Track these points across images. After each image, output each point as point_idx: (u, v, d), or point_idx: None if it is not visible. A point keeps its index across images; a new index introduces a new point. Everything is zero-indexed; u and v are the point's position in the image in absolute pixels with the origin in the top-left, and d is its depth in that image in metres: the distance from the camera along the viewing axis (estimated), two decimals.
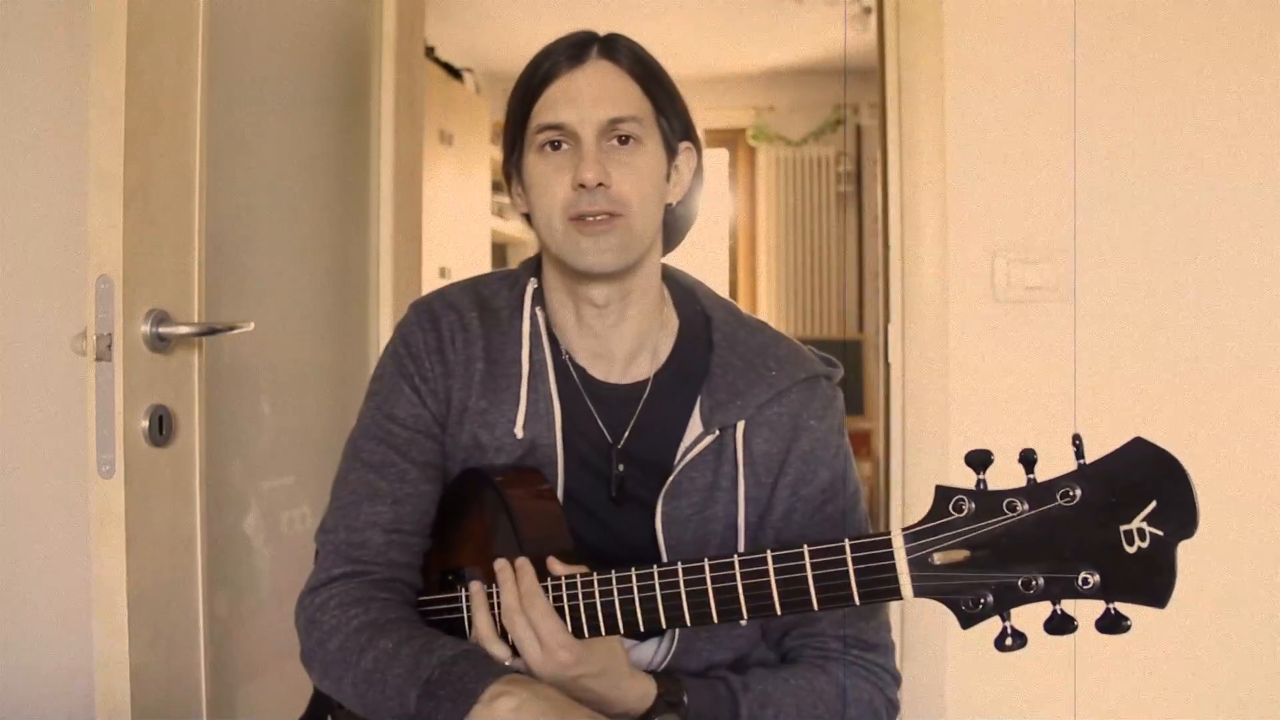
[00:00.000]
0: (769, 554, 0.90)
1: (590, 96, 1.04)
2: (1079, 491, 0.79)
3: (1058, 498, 0.79)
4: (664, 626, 0.95)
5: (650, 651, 1.06)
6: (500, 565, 1.00)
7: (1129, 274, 1.92)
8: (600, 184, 1.02)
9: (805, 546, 0.88)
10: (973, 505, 0.82)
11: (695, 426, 1.09)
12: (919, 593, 0.84)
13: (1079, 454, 0.80)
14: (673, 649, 1.06)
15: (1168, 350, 1.92)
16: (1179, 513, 0.77)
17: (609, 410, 1.10)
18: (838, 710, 1.06)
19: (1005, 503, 0.81)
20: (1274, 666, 1.90)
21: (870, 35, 3.65)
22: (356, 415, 1.15)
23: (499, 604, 0.99)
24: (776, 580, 0.89)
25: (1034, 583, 0.80)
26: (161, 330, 1.22)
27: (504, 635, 1.00)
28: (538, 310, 1.12)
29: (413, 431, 1.10)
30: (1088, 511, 0.79)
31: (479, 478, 1.08)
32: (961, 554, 0.82)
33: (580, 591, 0.97)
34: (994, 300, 1.95)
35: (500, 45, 4.16)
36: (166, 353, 1.24)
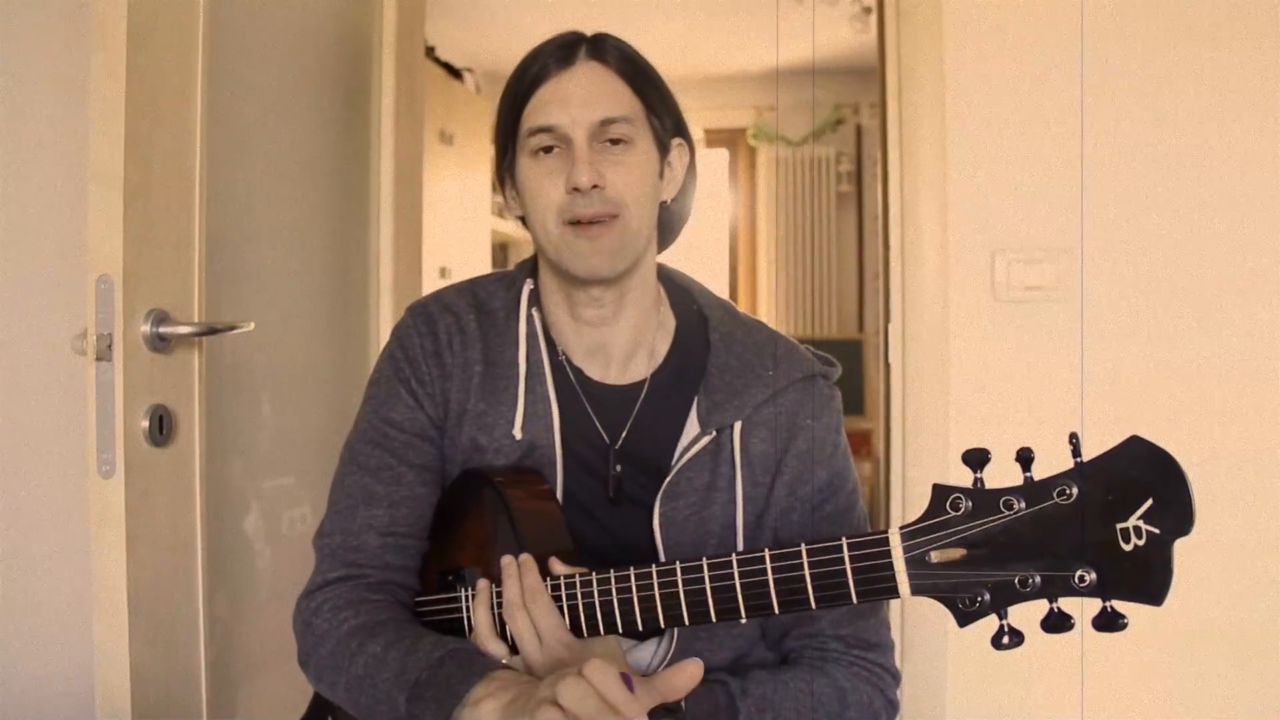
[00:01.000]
0: (767, 553, 0.90)
1: (580, 98, 1.04)
2: (1075, 490, 0.79)
3: (1054, 496, 0.80)
4: (663, 626, 0.95)
5: (649, 653, 1.06)
6: (506, 561, 1.00)
7: (1129, 274, 1.92)
8: (595, 186, 1.02)
9: (803, 545, 0.88)
10: (970, 504, 0.82)
11: (692, 427, 1.09)
12: (916, 591, 0.84)
13: (1076, 452, 0.80)
14: (671, 650, 1.05)
15: (1168, 350, 1.92)
16: (1175, 510, 0.77)
17: (606, 411, 1.10)
18: (837, 713, 1.06)
19: (1002, 501, 0.81)
20: (1275, 669, 1.90)
21: (870, 35, 3.65)
22: (355, 415, 1.15)
23: (499, 601, 1.00)
24: (774, 579, 0.89)
25: (1031, 581, 0.80)
26: (161, 330, 1.22)
27: (503, 633, 1.00)
28: (534, 311, 1.12)
29: (409, 435, 1.10)
30: (1084, 509, 0.79)
31: (479, 478, 1.08)
32: (958, 552, 0.82)
33: (580, 591, 0.98)
34: (994, 300, 1.95)
35: (500, 45, 4.16)
36: (166, 353, 1.24)
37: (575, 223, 1.03)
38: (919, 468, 1.96)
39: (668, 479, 1.07)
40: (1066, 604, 0.81)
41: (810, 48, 4.50)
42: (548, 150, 1.04)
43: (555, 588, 0.99)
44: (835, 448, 1.12)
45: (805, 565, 0.88)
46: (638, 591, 0.95)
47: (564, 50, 1.06)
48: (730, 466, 1.08)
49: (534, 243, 1.11)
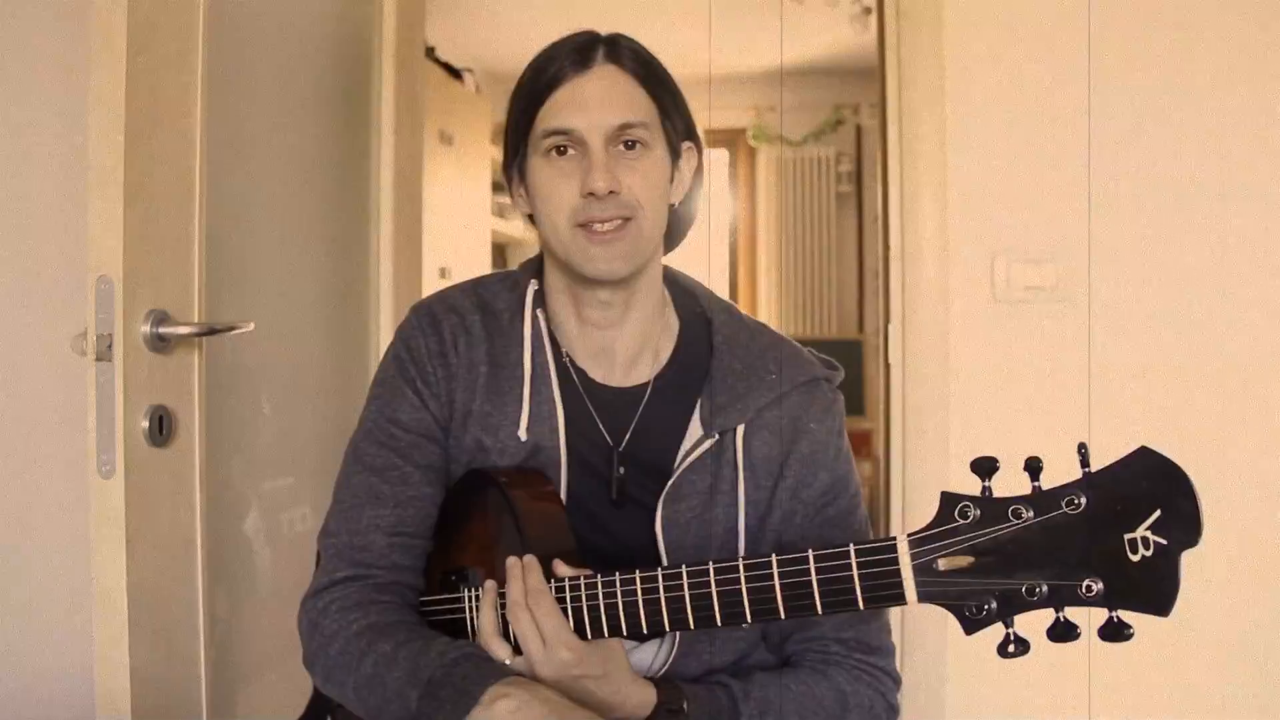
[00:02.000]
0: (774, 558, 0.90)
1: (598, 102, 1.03)
2: (1084, 500, 0.79)
3: (1063, 505, 0.80)
4: (667, 630, 0.95)
5: (651, 654, 1.06)
6: (510, 561, 1.00)
7: (1128, 274, 1.92)
8: (611, 191, 1.02)
9: (810, 551, 0.88)
10: (978, 512, 0.82)
11: (695, 430, 1.09)
12: (923, 598, 0.84)
13: (1084, 462, 0.80)
14: (673, 652, 1.05)
15: (1168, 350, 1.92)
16: (1183, 522, 0.77)
17: (609, 413, 1.10)
18: (838, 716, 1.05)
19: (1010, 510, 0.81)
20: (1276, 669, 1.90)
21: (870, 35, 3.65)
22: (357, 416, 1.15)
23: (504, 602, 1.00)
24: (781, 584, 0.89)
25: (1038, 589, 0.80)
26: (161, 330, 1.22)
27: (507, 634, 1.00)
28: (539, 312, 1.12)
29: (415, 435, 1.10)
30: (1092, 519, 0.79)
31: (483, 478, 1.08)
32: (966, 560, 0.82)
33: (584, 593, 0.97)
34: (994, 300, 1.95)
35: (500, 45, 4.16)
36: (166, 353, 1.24)
37: (588, 225, 1.03)
38: (919, 468, 1.96)
39: (670, 481, 1.07)
40: (1072, 613, 0.81)
41: (810, 48, 4.50)
42: (562, 152, 1.04)
43: (560, 589, 0.98)
44: (838, 451, 1.11)
45: (812, 571, 0.88)
46: (643, 595, 0.95)
47: (580, 52, 1.05)
48: (733, 470, 1.07)
49: (542, 243, 1.11)
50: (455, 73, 3.85)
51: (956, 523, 0.83)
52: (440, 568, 1.11)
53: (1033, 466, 0.81)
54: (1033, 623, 0.82)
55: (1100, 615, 0.79)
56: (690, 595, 0.93)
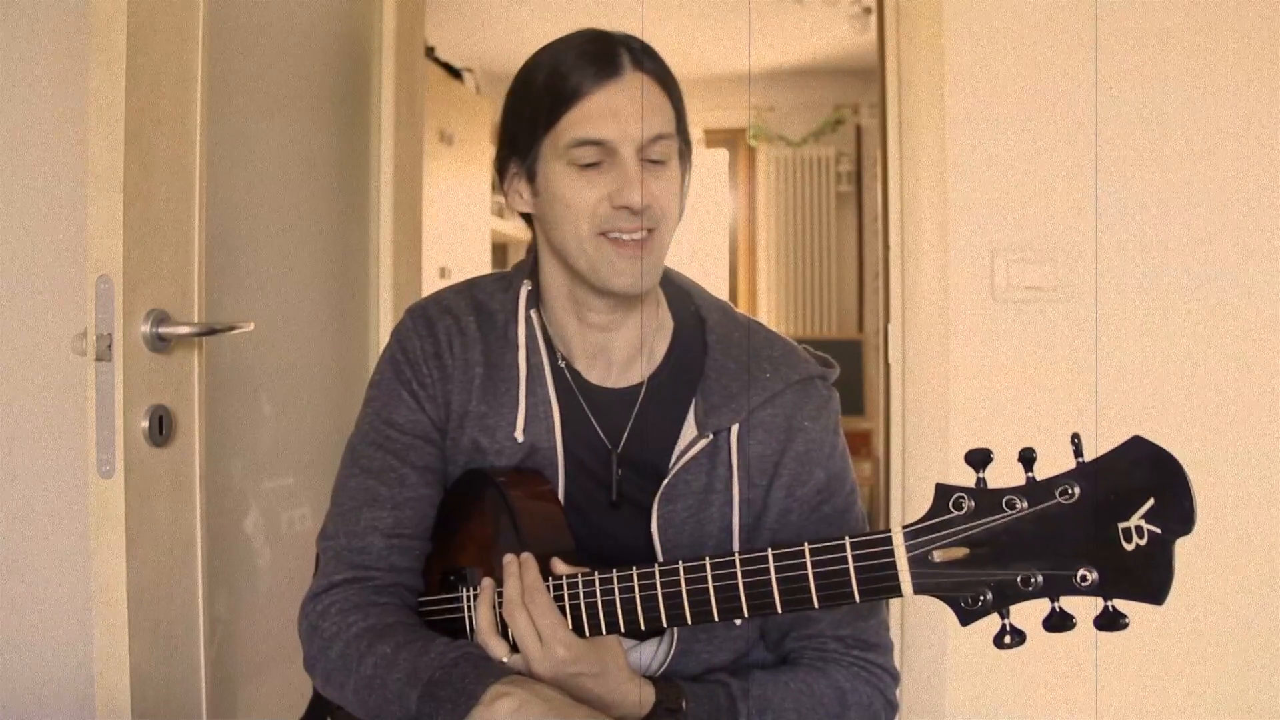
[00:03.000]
0: (769, 552, 0.90)
1: (632, 112, 1.01)
2: (1078, 489, 0.79)
3: (1056, 495, 0.80)
4: (665, 625, 0.95)
5: (649, 653, 1.06)
6: (507, 559, 1.00)
7: (1129, 274, 1.92)
8: (646, 205, 1.01)
9: (806, 544, 0.88)
10: (972, 503, 0.82)
11: (689, 429, 1.08)
12: (919, 590, 0.84)
13: (1078, 452, 0.80)
14: (672, 651, 1.05)
15: (1168, 350, 1.92)
16: (1177, 510, 0.77)
17: (605, 414, 1.10)
18: (837, 714, 1.06)
19: (1005, 500, 0.81)
20: (1276, 669, 1.90)
21: (870, 35, 3.65)
22: (356, 416, 1.15)
23: (502, 600, 1.00)
24: (777, 578, 0.89)
25: (1033, 580, 0.81)
26: (161, 330, 1.22)
27: (504, 632, 1.00)
28: (532, 314, 1.12)
29: (411, 437, 1.10)
30: (1086, 509, 0.79)
31: (481, 478, 1.09)
32: (961, 551, 0.83)
33: (582, 591, 0.98)
34: (994, 300, 1.95)
35: (500, 45, 4.16)
36: (166, 353, 1.24)
37: (613, 235, 1.02)
38: (919, 467, 1.96)
39: (665, 481, 1.07)
40: (1068, 604, 0.81)
41: (810, 48, 4.50)
42: (592, 163, 1.02)
43: (557, 587, 0.99)
44: (833, 449, 1.11)
45: (808, 564, 0.88)
46: (640, 591, 0.95)
47: (605, 58, 1.03)
48: (727, 469, 1.07)
49: (552, 248, 1.09)
50: (455, 73, 3.85)
51: (951, 514, 0.83)
52: (439, 568, 1.11)
53: (1026, 458, 0.81)
54: (1028, 614, 0.82)
55: (1096, 605, 0.79)
56: (687, 591, 0.93)
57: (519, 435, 1.08)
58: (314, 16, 1.85)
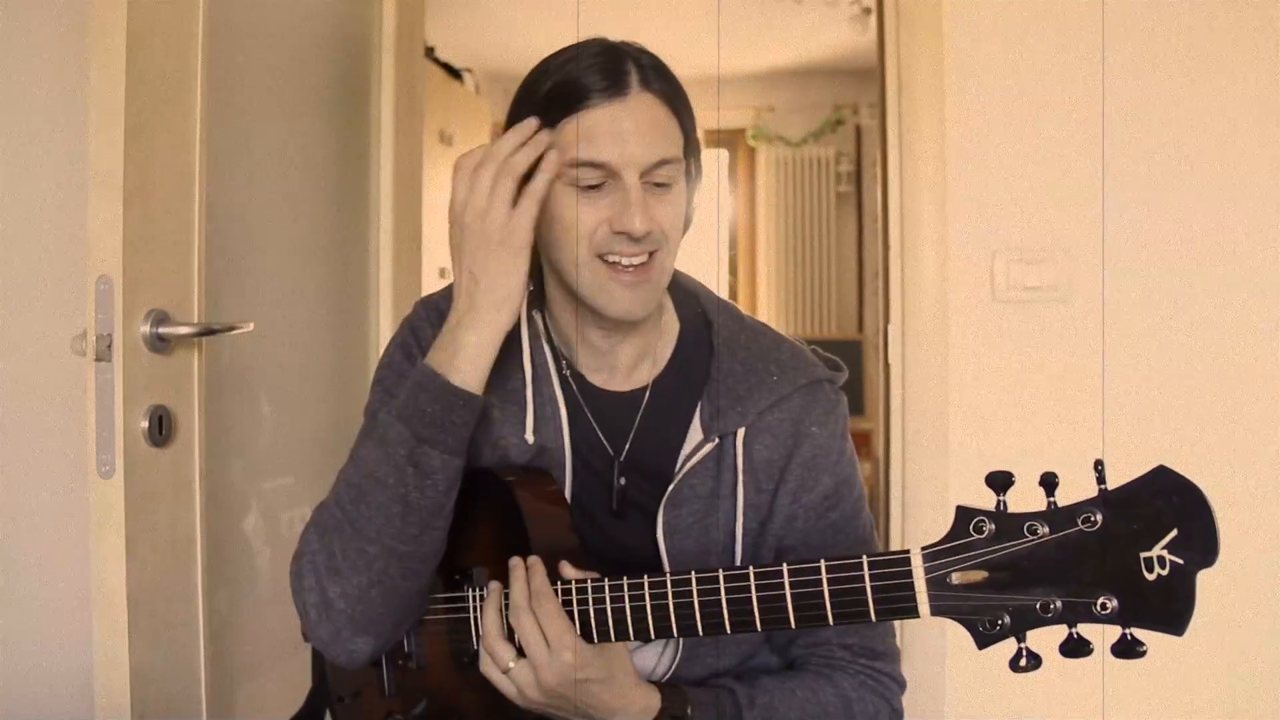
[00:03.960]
0: (784, 567, 0.89)
1: (636, 135, 0.98)
2: (1100, 517, 0.79)
3: (1079, 522, 0.79)
4: (675, 635, 0.94)
5: (655, 658, 1.05)
6: (514, 562, 0.99)
7: (1130, 274, 1.92)
8: (647, 231, 0.98)
9: (822, 561, 0.87)
10: (993, 527, 0.82)
11: (695, 434, 1.07)
12: (936, 612, 0.83)
13: (1101, 479, 0.80)
14: (677, 656, 1.05)
15: (1170, 350, 1.92)
16: (1200, 542, 0.77)
17: (609, 418, 1.09)
18: None
19: (1026, 526, 0.81)
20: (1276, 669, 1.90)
21: (870, 35, 3.65)
22: (357, 416, 1.15)
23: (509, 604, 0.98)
24: (792, 594, 0.88)
25: (1052, 606, 0.80)
26: (161, 330, 1.22)
27: (511, 636, 0.98)
28: (535, 315, 1.11)
29: None
30: (1109, 537, 0.79)
31: (489, 478, 1.07)
32: (980, 575, 0.82)
33: (591, 596, 0.96)
34: (994, 300, 1.95)
35: (500, 45, 4.16)
36: (166, 353, 1.24)
37: (611, 259, 0.99)
38: (918, 468, 1.95)
39: (671, 486, 1.05)
40: (1085, 629, 0.80)
41: (810, 48, 4.50)
42: (594, 186, 0.98)
43: (565, 592, 0.97)
44: (840, 454, 1.09)
45: (824, 581, 0.87)
46: (651, 600, 0.94)
47: (610, 74, 0.99)
48: (733, 474, 1.06)
49: (548, 267, 1.07)
50: (455, 73, 3.85)
51: (971, 537, 0.82)
52: (445, 567, 1.11)
53: (1048, 482, 0.80)
54: (1045, 637, 0.81)
55: (1113, 631, 0.79)
56: (700, 603, 0.92)
57: (529, 436, 1.06)
58: (314, 17, 1.85)
